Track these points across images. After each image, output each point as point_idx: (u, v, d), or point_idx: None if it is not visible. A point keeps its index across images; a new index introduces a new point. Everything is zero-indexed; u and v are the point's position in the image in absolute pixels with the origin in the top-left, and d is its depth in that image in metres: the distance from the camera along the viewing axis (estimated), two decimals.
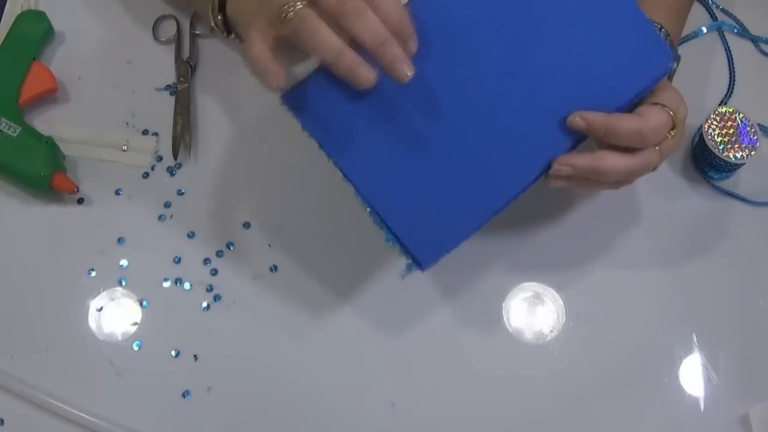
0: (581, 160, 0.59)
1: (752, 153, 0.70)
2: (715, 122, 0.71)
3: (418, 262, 0.59)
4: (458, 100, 0.59)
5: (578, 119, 0.59)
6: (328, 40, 0.54)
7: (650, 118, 0.58)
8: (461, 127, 0.59)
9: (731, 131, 0.71)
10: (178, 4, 0.78)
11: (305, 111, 0.59)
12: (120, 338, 0.67)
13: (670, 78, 0.67)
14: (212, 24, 0.65)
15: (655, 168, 0.61)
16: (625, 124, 0.58)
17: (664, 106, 0.60)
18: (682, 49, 0.79)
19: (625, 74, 0.60)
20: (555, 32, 0.58)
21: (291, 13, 0.54)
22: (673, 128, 0.60)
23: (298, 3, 0.54)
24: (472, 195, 0.59)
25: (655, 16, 0.67)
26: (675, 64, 0.67)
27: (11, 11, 0.78)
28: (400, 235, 0.59)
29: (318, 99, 0.58)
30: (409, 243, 0.59)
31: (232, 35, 0.66)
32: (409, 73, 0.55)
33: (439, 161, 0.59)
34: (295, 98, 0.58)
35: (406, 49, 0.55)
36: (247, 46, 0.57)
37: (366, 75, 0.54)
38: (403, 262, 0.59)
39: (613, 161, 0.59)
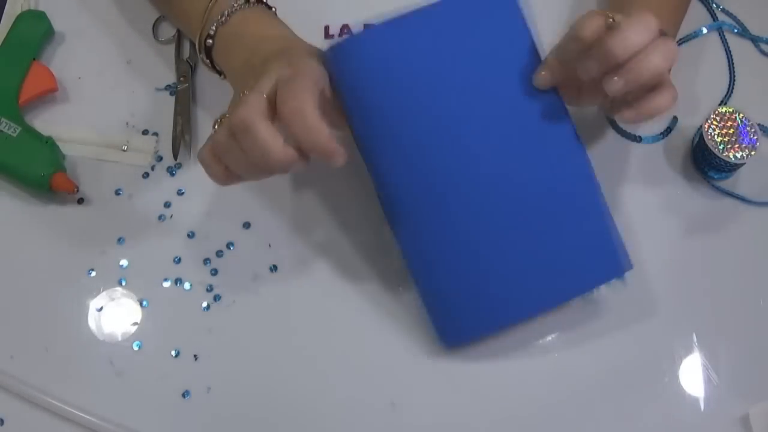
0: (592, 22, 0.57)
1: (752, 153, 0.70)
2: (715, 122, 0.71)
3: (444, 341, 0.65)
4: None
5: (543, 74, 0.60)
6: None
7: (575, 23, 0.58)
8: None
9: (731, 131, 0.71)
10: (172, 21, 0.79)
11: None
12: (120, 338, 0.67)
13: None
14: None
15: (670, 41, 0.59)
16: (563, 41, 0.59)
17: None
18: (682, 50, 0.79)
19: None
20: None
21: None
22: (609, 16, 0.58)
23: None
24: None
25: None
26: None
27: (11, 11, 0.78)
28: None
29: None
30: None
31: (223, 76, 0.67)
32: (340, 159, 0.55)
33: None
34: None
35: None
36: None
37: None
38: None
39: (620, 29, 0.56)
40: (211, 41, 0.65)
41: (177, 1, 0.70)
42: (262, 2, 0.67)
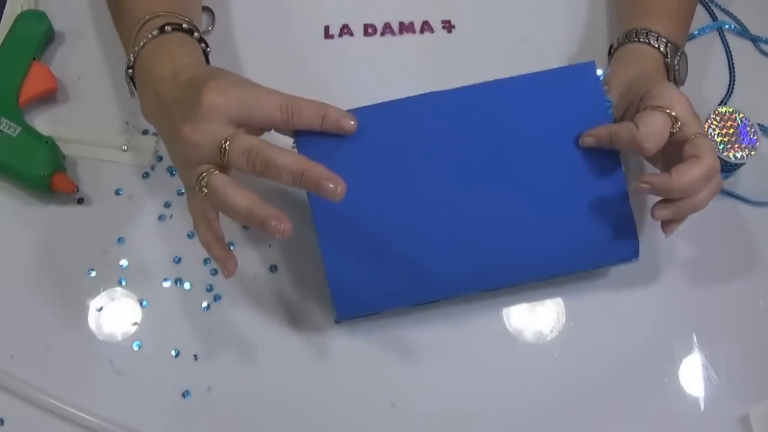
0: (656, 178, 0.60)
1: (752, 153, 0.70)
2: (715, 122, 0.71)
3: (336, 311, 0.64)
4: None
5: (589, 138, 0.62)
6: (235, 204, 0.56)
7: (643, 124, 0.59)
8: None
9: (731, 131, 0.71)
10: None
11: None
12: (120, 338, 0.67)
13: (677, 81, 0.67)
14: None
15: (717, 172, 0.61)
16: (623, 133, 0.60)
17: (657, 107, 0.60)
18: None
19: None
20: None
21: (204, 189, 0.57)
22: (675, 123, 0.60)
23: (204, 173, 0.57)
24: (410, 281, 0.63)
25: (656, 24, 0.67)
26: (678, 66, 0.68)
27: (11, 11, 0.78)
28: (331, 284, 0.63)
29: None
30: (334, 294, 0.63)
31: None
32: (340, 189, 0.55)
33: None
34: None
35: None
36: (195, 228, 0.61)
37: (277, 228, 0.56)
38: None
39: (683, 173, 0.59)
40: (131, 71, 0.64)
41: (117, 23, 0.69)
42: (182, 28, 0.64)
